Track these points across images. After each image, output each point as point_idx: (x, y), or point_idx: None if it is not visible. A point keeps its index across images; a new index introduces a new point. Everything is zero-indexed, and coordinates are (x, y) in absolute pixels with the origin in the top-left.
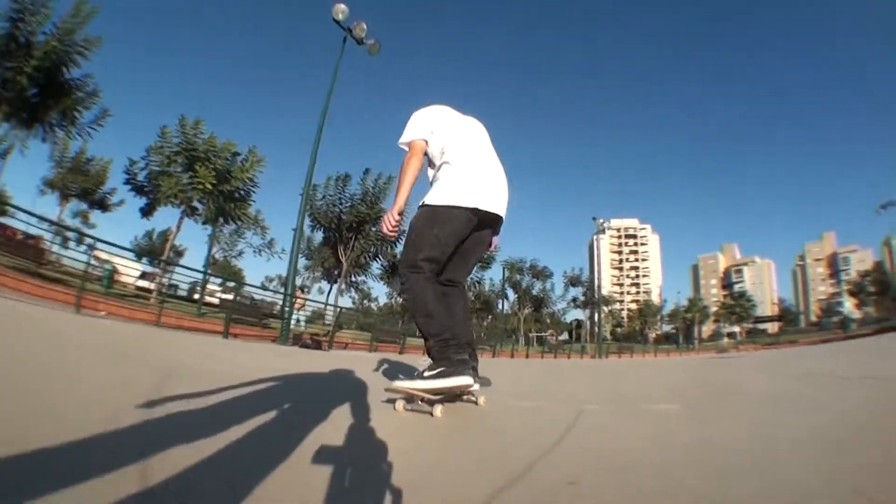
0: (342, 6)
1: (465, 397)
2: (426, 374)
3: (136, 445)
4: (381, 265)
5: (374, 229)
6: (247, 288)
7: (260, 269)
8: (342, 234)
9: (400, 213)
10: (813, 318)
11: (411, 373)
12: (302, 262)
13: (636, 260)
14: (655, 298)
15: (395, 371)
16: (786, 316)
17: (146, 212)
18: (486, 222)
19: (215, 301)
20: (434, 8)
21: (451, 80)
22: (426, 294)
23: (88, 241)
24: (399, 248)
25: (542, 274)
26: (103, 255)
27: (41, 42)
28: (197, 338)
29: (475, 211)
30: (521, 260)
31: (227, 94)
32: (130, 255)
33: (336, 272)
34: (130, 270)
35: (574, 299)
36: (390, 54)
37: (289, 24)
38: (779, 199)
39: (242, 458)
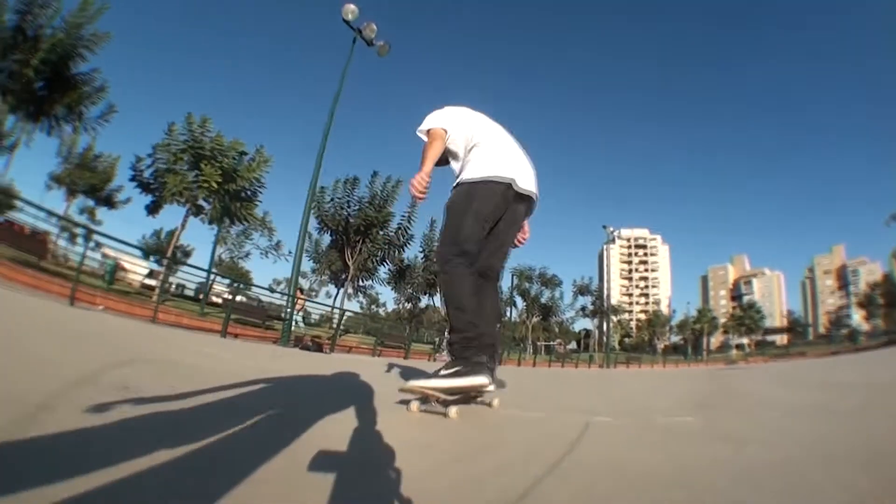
0: (352, 6)
1: (478, 399)
2: (442, 372)
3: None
4: (389, 269)
5: (381, 233)
6: (250, 289)
7: (268, 272)
8: (349, 237)
9: (426, 176)
10: (821, 331)
11: (413, 375)
12: (309, 265)
13: (646, 270)
14: (664, 309)
15: (390, 376)
16: (795, 328)
17: (151, 209)
18: (521, 199)
19: (220, 301)
20: (444, 11)
21: (460, 83)
22: (464, 286)
23: (86, 234)
24: (407, 253)
25: (551, 282)
26: (111, 253)
27: (49, 35)
28: (189, 335)
29: (512, 184)
30: (530, 268)
31: (237, 94)
32: (137, 252)
33: (343, 276)
34: (137, 268)
35: (583, 308)
36: (400, 56)
37: (300, 24)
38: (789, 211)
39: (195, 466)
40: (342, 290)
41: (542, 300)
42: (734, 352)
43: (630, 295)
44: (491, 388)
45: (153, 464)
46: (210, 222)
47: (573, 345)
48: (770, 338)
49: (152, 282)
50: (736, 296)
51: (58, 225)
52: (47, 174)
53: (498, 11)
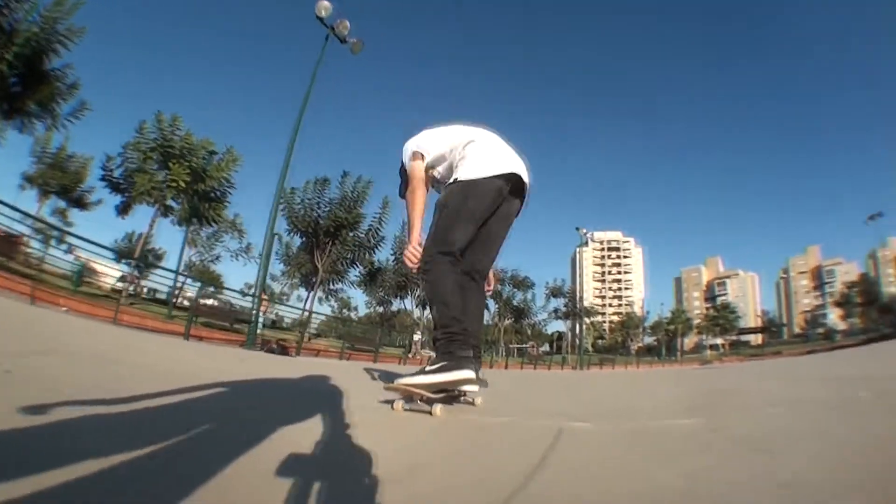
0: (325, 3)
1: (462, 398)
2: (427, 369)
3: None
4: (359, 272)
5: (351, 234)
6: (221, 292)
7: (241, 275)
8: (319, 238)
9: (419, 244)
10: (797, 330)
11: (385, 377)
12: (280, 267)
13: (619, 272)
14: (638, 311)
15: (356, 378)
16: (769, 328)
17: (122, 210)
18: (516, 194)
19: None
20: (422, 13)
21: (435, 84)
22: (447, 281)
23: (55, 235)
24: (378, 255)
25: (523, 284)
26: (82, 255)
27: (24, 30)
28: (144, 335)
29: (508, 177)
30: (502, 270)
31: (212, 95)
32: (110, 255)
33: (313, 279)
34: (108, 271)
35: (556, 310)
36: (373, 55)
37: (273, 21)
38: (763, 213)
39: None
40: (312, 294)
41: (515, 302)
42: (709, 352)
43: (603, 297)
44: (474, 388)
45: (88, 471)
46: (179, 223)
47: (546, 347)
48: (745, 338)
49: (122, 285)
50: (710, 297)
51: (31, 226)
52: (20, 174)
53: (464, 12)
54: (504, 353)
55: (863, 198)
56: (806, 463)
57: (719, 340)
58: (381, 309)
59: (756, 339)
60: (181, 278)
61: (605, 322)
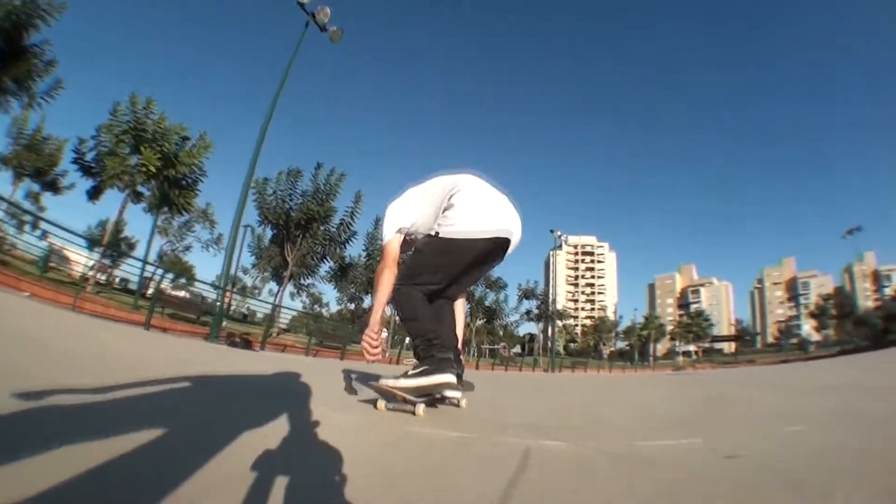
0: None
1: (447, 400)
2: (410, 373)
3: None
4: (330, 267)
5: (322, 228)
6: (193, 284)
7: (213, 267)
8: (290, 231)
9: (377, 332)
10: (770, 340)
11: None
12: (250, 260)
13: (592, 277)
14: (611, 315)
15: (316, 375)
16: (743, 336)
17: (93, 194)
18: (504, 247)
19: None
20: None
21: (412, 80)
22: (413, 298)
23: (28, 221)
24: (350, 250)
25: (495, 285)
26: (56, 242)
27: (6, 2)
28: (99, 323)
29: (496, 240)
30: None
31: (189, 82)
32: (82, 242)
33: (284, 273)
34: (80, 259)
35: (528, 312)
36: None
37: (256, 6)
38: (739, 223)
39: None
40: (282, 288)
41: (487, 303)
42: (681, 358)
43: (576, 301)
44: (457, 393)
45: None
46: (149, 210)
47: (517, 349)
48: (718, 345)
49: (91, 273)
50: (683, 304)
51: (5, 211)
52: None
53: (441, 10)
54: (476, 354)
55: (837, 211)
56: None
57: (692, 347)
58: (352, 306)
59: (729, 347)
60: (150, 268)
61: (577, 325)
